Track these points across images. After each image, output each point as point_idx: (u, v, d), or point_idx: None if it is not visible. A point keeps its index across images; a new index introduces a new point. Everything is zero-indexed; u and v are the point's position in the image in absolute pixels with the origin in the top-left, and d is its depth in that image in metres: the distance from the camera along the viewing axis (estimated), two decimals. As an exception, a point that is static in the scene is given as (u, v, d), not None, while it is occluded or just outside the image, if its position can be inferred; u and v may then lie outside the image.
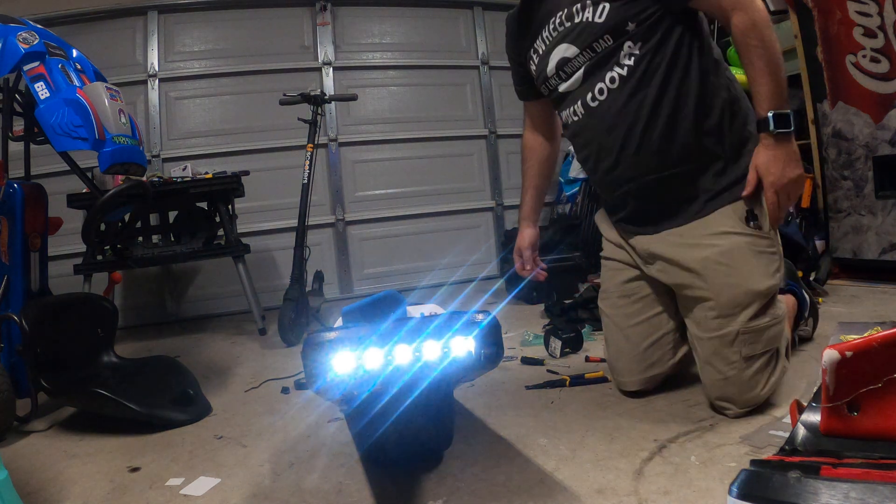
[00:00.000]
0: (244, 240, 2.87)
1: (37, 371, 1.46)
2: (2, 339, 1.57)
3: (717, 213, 1.23)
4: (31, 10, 2.95)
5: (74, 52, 1.63)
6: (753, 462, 0.72)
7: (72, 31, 3.26)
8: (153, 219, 2.85)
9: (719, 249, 1.20)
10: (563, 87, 1.35)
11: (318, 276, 3.01)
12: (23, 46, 1.49)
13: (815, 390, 0.87)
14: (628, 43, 1.21)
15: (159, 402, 1.48)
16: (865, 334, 0.80)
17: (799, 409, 0.86)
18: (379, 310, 1.01)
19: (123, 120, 1.55)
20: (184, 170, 2.85)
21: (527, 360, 1.76)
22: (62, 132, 1.46)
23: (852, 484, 0.62)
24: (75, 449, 1.33)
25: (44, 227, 1.75)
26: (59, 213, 1.91)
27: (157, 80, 3.49)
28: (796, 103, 3.04)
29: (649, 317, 1.36)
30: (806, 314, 1.66)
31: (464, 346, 0.85)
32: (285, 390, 1.69)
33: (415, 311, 1.05)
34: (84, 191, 2.45)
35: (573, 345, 1.82)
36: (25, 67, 1.50)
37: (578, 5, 1.25)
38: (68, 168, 1.62)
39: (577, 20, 1.26)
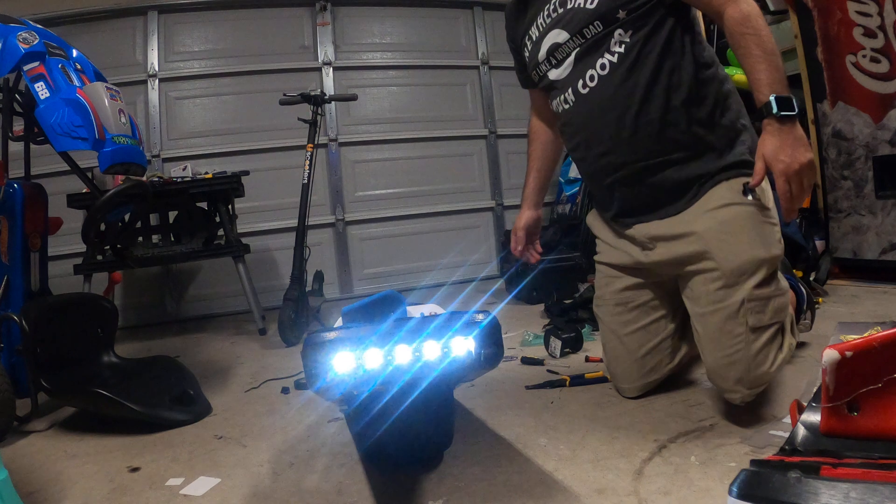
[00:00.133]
0: (244, 240, 2.87)
1: (37, 371, 1.46)
2: (2, 339, 1.57)
3: (713, 191, 1.23)
4: (31, 10, 2.95)
5: (74, 52, 1.63)
6: (753, 462, 0.72)
7: (72, 31, 3.26)
8: (153, 219, 2.86)
9: (721, 219, 1.19)
10: (553, 75, 1.35)
11: (318, 276, 3.01)
12: (23, 46, 1.49)
13: (815, 390, 0.87)
14: (619, 31, 1.22)
15: (159, 402, 1.48)
16: (865, 334, 0.80)
17: (799, 409, 0.85)
18: (379, 310, 1.01)
19: (123, 120, 1.55)
20: (184, 170, 2.85)
21: (527, 360, 1.76)
22: (62, 132, 1.46)
23: (852, 484, 0.62)
24: (75, 449, 1.33)
25: (44, 227, 1.75)
26: (59, 213, 1.92)
27: (157, 80, 3.50)
28: (797, 104, 3.04)
29: (646, 324, 1.35)
30: (804, 307, 1.66)
31: (464, 346, 0.85)
32: (285, 390, 1.69)
33: (415, 311, 1.05)
34: (84, 191, 2.45)
35: (573, 345, 1.82)
36: (25, 67, 1.50)
37: None
38: (68, 168, 1.62)
39: (569, 6, 1.27)
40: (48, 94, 1.48)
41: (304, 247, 2.51)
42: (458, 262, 3.81)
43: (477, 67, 4.05)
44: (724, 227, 1.19)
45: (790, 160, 1.05)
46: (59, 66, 1.52)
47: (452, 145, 3.98)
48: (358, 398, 0.92)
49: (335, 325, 0.98)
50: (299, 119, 2.64)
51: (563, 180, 3.77)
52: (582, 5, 1.25)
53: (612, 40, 1.23)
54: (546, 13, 1.33)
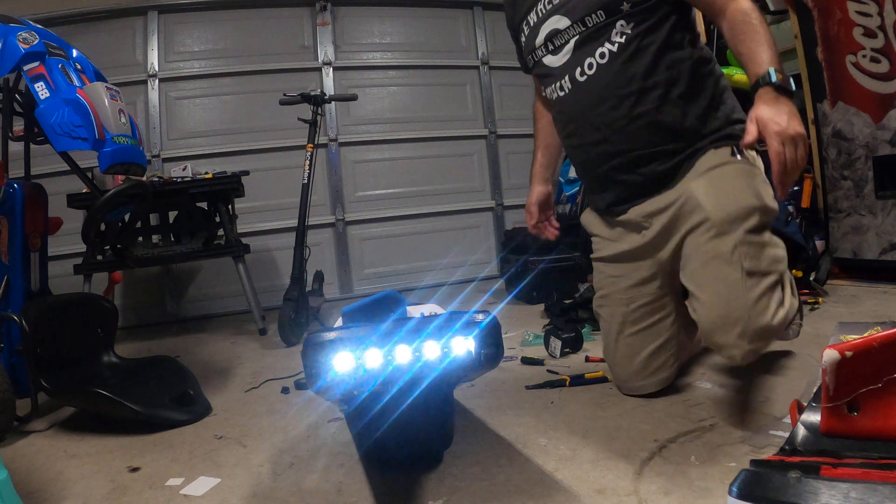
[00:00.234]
0: (244, 240, 2.87)
1: (37, 371, 1.46)
2: (2, 339, 1.57)
3: (702, 158, 1.24)
4: (31, 10, 2.95)
5: (74, 52, 1.63)
6: (753, 462, 0.72)
7: (72, 31, 3.26)
8: (153, 219, 2.86)
9: (711, 176, 1.20)
10: (549, 61, 1.36)
11: (318, 276, 3.01)
12: (23, 46, 1.49)
13: (815, 390, 0.87)
14: (621, 22, 1.23)
15: (159, 402, 1.48)
16: (865, 334, 0.80)
17: (799, 409, 0.86)
18: (379, 310, 1.01)
19: (123, 120, 1.55)
20: (184, 170, 2.85)
21: (527, 360, 1.76)
22: (62, 132, 1.46)
23: (852, 484, 0.62)
24: (75, 449, 1.33)
25: (44, 227, 1.75)
26: (59, 213, 1.92)
27: (157, 80, 3.50)
28: (796, 103, 3.04)
29: (650, 324, 1.35)
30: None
31: (464, 346, 0.85)
32: (285, 390, 1.69)
33: (415, 311, 1.05)
34: (84, 191, 2.45)
35: (573, 345, 1.82)
36: (25, 67, 1.50)
37: None
38: (68, 168, 1.62)
39: None
40: (48, 94, 1.48)
41: (304, 247, 2.51)
42: (458, 262, 3.81)
43: (477, 67, 4.05)
44: (713, 181, 1.20)
45: (785, 125, 1.01)
46: (59, 66, 1.52)
47: (452, 145, 3.98)
48: (358, 398, 0.92)
49: (335, 325, 0.98)
50: (299, 119, 2.64)
51: (562, 180, 3.77)
52: None
53: (614, 31, 1.24)
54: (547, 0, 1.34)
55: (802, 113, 2.89)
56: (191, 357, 2.31)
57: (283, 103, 2.63)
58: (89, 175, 1.71)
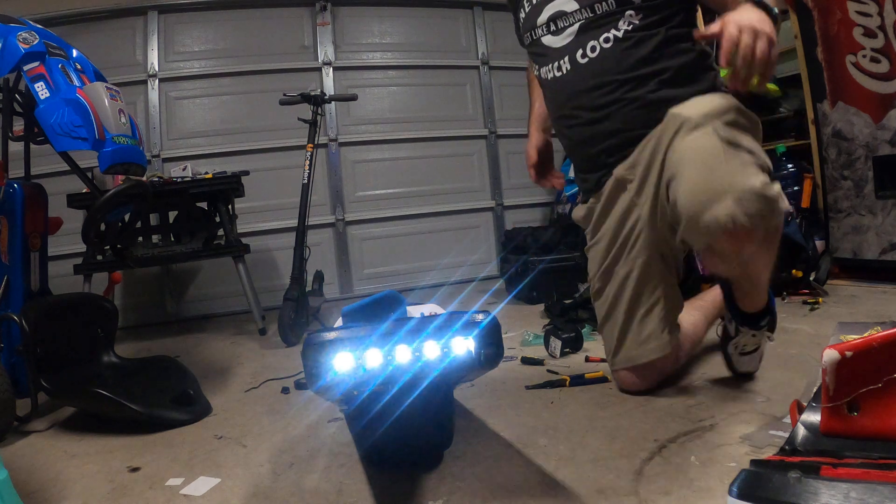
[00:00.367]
0: (244, 240, 2.87)
1: (37, 371, 1.46)
2: (2, 339, 1.57)
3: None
4: (31, 10, 2.95)
5: (74, 52, 1.63)
6: (753, 462, 0.72)
7: (72, 31, 3.26)
8: (153, 219, 2.86)
9: (690, 100, 1.21)
10: (548, 41, 1.37)
11: (318, 276, 3.01)
12: (23, 46, 1.49)
13: (815, 390, 0.87)
14: (630, 12, 1.26)
15: (159, 402, 1.48)
16: (865, 334, 0.80)
17: (799, 409, 0.86)
18: (379, 310, 1.01)
19: (123, 120, 1.55)
20: (184, 170, 2.85)
21: (527, 360, 1.76)
22: (62, 132, 1.46)
23: (852, 484, 0.62)
24: (75, 449, 1.33)
25: (44, 227, 1.75)
26: (59, 213, 1.91)
27: (157, 80, 3.50)
28: (796, 103, 3.05)
29: (635, 292, 1.34)
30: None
31: (464, 346, 0.85)
32: (285, 390, 1.69)
33: (415, 311, 1.05)
34: (84, 191, 2.45)
35: (573, 345, 1.82)
36: (25, 67, 1.50)
37: None
38: (68, 168, 1.62)
39: None
40: (48, 94, 1.48)
41: (304, 247, 2.51)
42: (458, 262, 3.81)
43: (477, 67, 4.05)
44: (692, 101, 1.20)
45: (749, 21, 0.98)
46: (59, 66, 1.52)
47: (452, 145, 3.98)
48: (358, 398, 0.92)
49: (335, 325, 0.98)
50: (299, 119, 2.64)
51: (563, 180, 3.77)
52: None
53: (622, 20, 1.27)
54: None
55: (802, 113, 2.90)
56: (191, 357, 2.31)
57: (283, 103, 2.63)
58: (89, 175, 1.71)
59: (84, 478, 1.16)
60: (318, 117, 2.65)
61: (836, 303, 2.23)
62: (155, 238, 2.83)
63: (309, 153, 2.57)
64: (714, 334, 1.67)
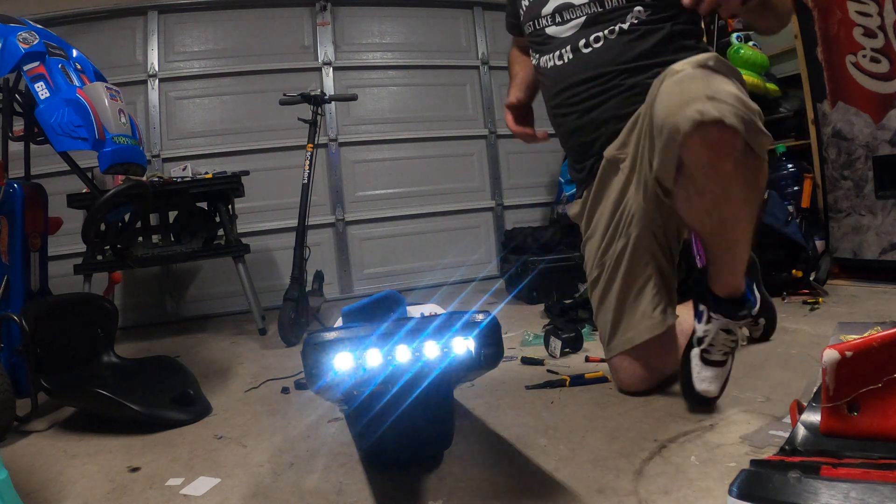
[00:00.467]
0: (244, 240, 2.87)
1: (37, 371, 1.46)
2: (2, 339, 1.57)
3: None
4: (31, 10, 2.95)
5: (74, 52, 1.63)
6: (753, 462, 0.72)
7: (72, 31, 3.26)
8: (153, 219, 2.86)
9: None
10: (552, 31, 1.38)
11: (318, 276, 3.01)
12: (23, 46, 1.49)
13: (815, 390, 0.87)
14: (639, 8, 1.28)
15: (159, 402, 1.48)
16: (865, 334, 0.80)
17: (799, 409, 0.86)
18: (379, 310, 1.01)
19: (123, 120, 1.55)
20: (184, 170, 2.85)
21: (527, 360, 1.76)
22: (62, 132, 1.46)
23: (852, 484, 0.62)
24: (75, 449, 1.33)
25: (44, 227, 1.74)
26: (59, 213, 1.91)
27: (157, 80, 3.49)
28: (796, 103, 3.05)
29: (628, 269, 1.34)
30: (754, 311, 1.66)
31: (464, 346, 0.85)
32: (285, 390, 1.69)
33: (415, 311, 1.05)
34: (84, 191, 2.45)
35: (573, 345, 1.82)
36: (25, 67, 1.50)
37: None
38: (68, 168, 1.62)
39: None
40: (48, 94, 1.48)
41: (304, 247, 2.51)
42: (458, 262, 3.81)
43: (477, 67, 4.05)
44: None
45: None
46: (59, 66, 1.52)
47: (452, 145, 3.98)
48: (358, 398, 0.92)
49: (335, 325, 0.98)
50: (299, 119, 2.64)
51: (563, 180, 3.77)
52: None
53: (630, 14, 1.28)
54: None
55: (802, 113, 2.90)
56: (191, 357, 2.31)
57: (283, 103, 2.63)
58: (89, 175, 1.71)
59: (84, 478, 1.16)
60: (318, 117, 2.64)
61: (836, 303, 2.23)
62: (155, 238, 2.83)
63: (309, 153, 2.57)
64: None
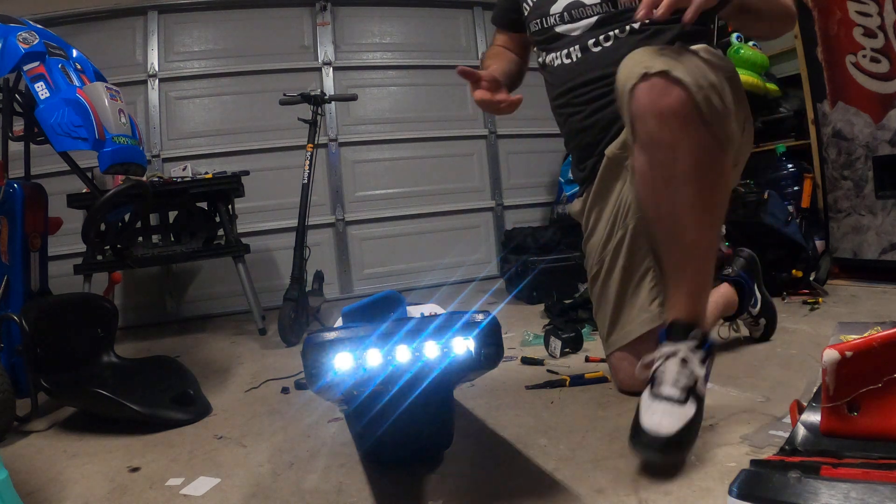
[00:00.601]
0: (244, 240, 2.87)
1: (37, 371, 1.46)
2: (2, 339, 1.57)
3: None
4: (31, 10, 2.95)
5: (74, 52, 1.63)
6: (753, 462, 0.72)
7: (72, 31, 3.26)
8: (153, 219, 2.86)
9: None
10: (561, 30, 1.35)
11: (318, 276, 3.01)
12: (23, 46, 1.49)
13: (815, 390, 0.87)
14: None
15: (159, 402, 1.48)
16: (865, 334, 0.80)
17: (799, 409, 0.86)
18: (379, 310, 1.01)
19: (123, 120, 1.55)
20: (184, 170, 2.85)
21: (527, 360, 1.76)
22: (62, 132, 1.46)
23: (852, 484, 0.62)
24: (75, 449, 1.33)
25: (44, 227, 1.74)
26: (59, 213, 1.91)
27: (157, 80, 3.49)
28: (796, 103, 3.05)
29: (626, 260, 1.33)
30: (755, 311, 1.66)
31: (464, 346, 0.85)
32: (285, 390, 1.69)
33: (415, 311, 1.05)
34: (84, 191, 2.45)
35: (573, 345, 1.82)
36: (25, 67, 1.50)
37: None
38: (68, 168, 1.62)
39: None
40: (48, 94, 1.48)
41: (304, 247, 2.51)
42: (458, 262, 3.81)
43: (477, 67, 4.03)
44: None
45: None
46: (59, 66, 1.53)
47: (452, 145, 3.98)
48: (358, 398, 0.92)
49: (335, 325, 0.98)
50: (299, 119, 2.64)
51: (563, 180, 3.77)
52: None
53: None
54: None
55: (802, 113, 2.90)
56: (191, 357, 2.31)
57: (283, 103, 2.63)
58: (89, 175, 1.71)
59: (84, 478, 1.16)
60: (318, 117, 2.64)
61: (836, 303, 2.23)
62: (155, 238, 2.83)
63: (309, 153, 2.57)
64: (716, 335, 1.68)
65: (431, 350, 0.84)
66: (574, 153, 1.50)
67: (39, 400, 1.48)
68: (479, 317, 0.86)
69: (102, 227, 1.78)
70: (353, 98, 3.02)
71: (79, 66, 1.60)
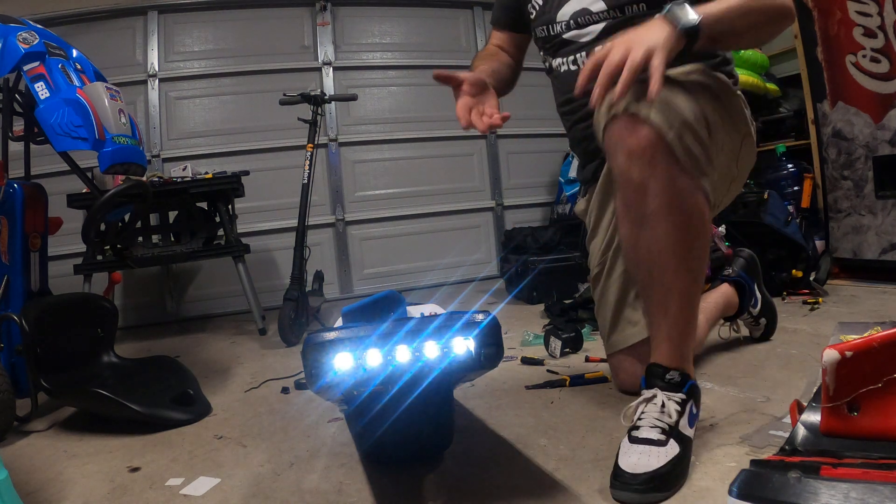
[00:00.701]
0: (244, 240, 2.87)
1: (37, 371, 1.46)
2: (2, 339, 1.57)
3: None
4: (31, 10, 2.95)
5: (74, 52, 1.63)
6: (753, 462, 0.72)
7: (72, 31, 3.26)
8: (153, 219, 2.86)
9: None
10: (569, 35, 1.33)
11: (318, 276, 3.01)
12: (23, 46, 1.49)
13: (815, 390, 0.87)
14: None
15: (159, 402, 1.48)
16: (865, 334, 0.80)
17: (799, 409, 0.86)
18: (379, 310, 1.01)
19: (123, 120, 1.55)
20: (184, 170, 2.85)
21: (527, 360, 1.76)
22: (62, 132, 1.46)
23: (852, 484, 0.62)
24: (75, 449, 1.33)
25: (44, 227, 1.74)
26: (59, 213, 1.91)
27: (157, 80, 3.49)
28: (796, 103, 3.05)
29: (624, 270, 1.32)
30: (755, 311, 1.66)
31: (464, 346, 0.85)
32: (285, 390, 1.69)
33: (415, 311, 1.05)
34: (84, 191, 2.45)
35: (573, 345, 1.82)
36: (25, 67, 1.50)
37: None
38: (68, 168, 1.62)
39: None
40: (48, 94, 1.48)
41: (304, 247, 2.51)
42: (458, 262, 3.81)
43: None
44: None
45: (629, 36, 0.93)
46: (59, 66, 1.52)
47: (452, 145, 3.98)
48: (358, 398, 0.92)
49: (335, 325, 0.98)
50: (299, 119, 2.64)
51: (563, 180, 3.77)
52: None
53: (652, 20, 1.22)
54: None
55: (802, 113, 2.90)
56: (191, 357, 2.31)
57: (283, 103, 2.63)
58: (89, 175, 1.71)
59: (84, 478, 1.16)
60: (318, 117, 2.65)
61: (836, 303, 2.23)
62: (155, 238, 2.83)
63: (309, 153, 2.57)
64: (717, 335, 1.68)
65: (431, 350, 0.84)
66: (578, 156, 1.50)
67: (39, 400, 1.48)
68: (479, 317, 0.86)
69: (102, 227, 1.78)
70: (353, 98, 3.02)
71: (79, 66, 1.60)
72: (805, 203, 2.84)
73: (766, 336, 1.72)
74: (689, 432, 0.99)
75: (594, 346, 1.87)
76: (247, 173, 2.79)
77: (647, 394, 1.01)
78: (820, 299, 2.25)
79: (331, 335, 0.81)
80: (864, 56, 2.48)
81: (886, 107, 2.43)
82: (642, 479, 0.87)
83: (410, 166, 3.89)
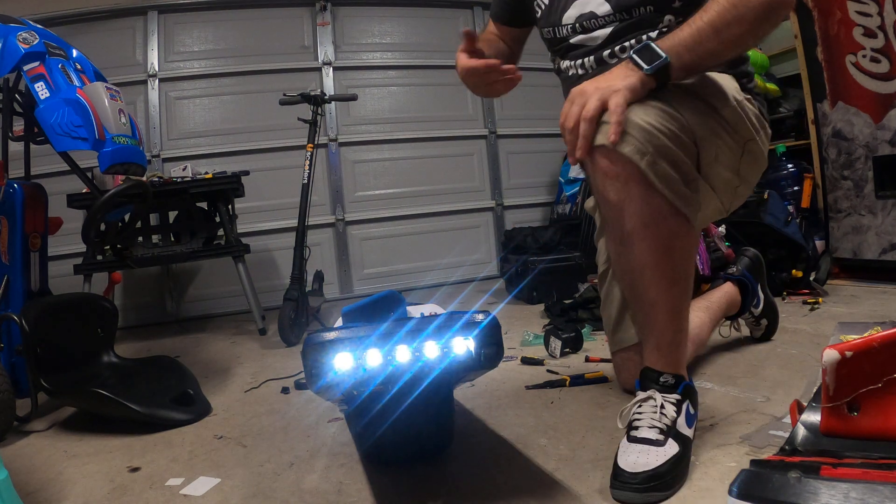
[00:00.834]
0: (244, 240, 2.87)
1: (37, 371, 1.46)
2: (2, 339, 1.57)
3: None
4: (31, 10, 2.95)
5: (74, 52, 1.63)
6: (753, 462, 0.72)
7: (72, 31, 3.26)
8: (153, 219, 2.86)
9: None
10: (576, 39, 1.32)
11: (318, 276, 3.02)
12: (23, 46, 1.49)
13: (815, 390, 0.87)
14: (669, 17, 1.20)
15: (159, 402, 1.48)
16: (865, 334, 0.80)
17: (799, 409, 0.86)
18: (379, 310, 1.01)
19: (123, 120, 1.55)
20: (184, 170, 2.85)
21: (527, 360, 1.76)
22: (62, 132, 1.46)
23: (852, 484, 0.62)
24: (75, 449, 1.33)
25: (44, 227, 1.75)
26: (59, 213, 1.91)
27: (157, 80, 3.49)
28: (796, 103, 3.05)
29: None
30: (757, 311, 1.66)
31: (464, 346, 0.85)
32: (285, 390, 1.69)
33: (415, 311, 1.05)
34: (84, 191, 2.45)
35: (573, 345, 1.82)
36: (25, 67, 1.50)
37: None
38: (68, 168, 1.62)
39: None
40: (48, 94, 1.48)
41: (304, 247, 2.51)
42: (458, 262, 3.81)
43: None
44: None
45: (592, 85, 0.97)
46: (59, 66, 1.53)
47: (452, 145, 3.98)
48: (358, 398, 0.92)
49: (335, 325, 0.98)
50: (299, 119, 2.64)
51: (563, 180, 3.77)
52: None
53: (660, 24, 1.21)
54: None
55: (802, 113, 2.90)
56: (191, 357, 2.31)
57: (283, 103, 2.63)
58: (89, 175, 1.71)
59: (84, 478, 1.16)
60: (318, 117, 2.65)
61: (836, 303, 2.23)
62: (155, 238, 2.83)
63: (309, 153, 2.57)
64: (717, 335, 1.68)
65: (431, 350, 0.84)
66: None
67: (39, 400, 1.48)
68: (479, 317, 0.86)
69: (102, 227, 1.78)
70: (353, 98, 3.02)
71: (79, 66, 1.60)
72: (805, 203, 2.84)
73: (766, 336, 1.72)
74: (687, 432, 1.00)
75: (594, 346, 1.87)
76: (247, 173, 2.79)
77: (642, 395, 1.02)
78: (820, 299, 2.25)
79: (331, 335, 0.81)
80: (864, 56, 2.47)
81: (886, 107, 2.43)
82: (641, 478, 0.88)
83: (410, 166, 3.89)
